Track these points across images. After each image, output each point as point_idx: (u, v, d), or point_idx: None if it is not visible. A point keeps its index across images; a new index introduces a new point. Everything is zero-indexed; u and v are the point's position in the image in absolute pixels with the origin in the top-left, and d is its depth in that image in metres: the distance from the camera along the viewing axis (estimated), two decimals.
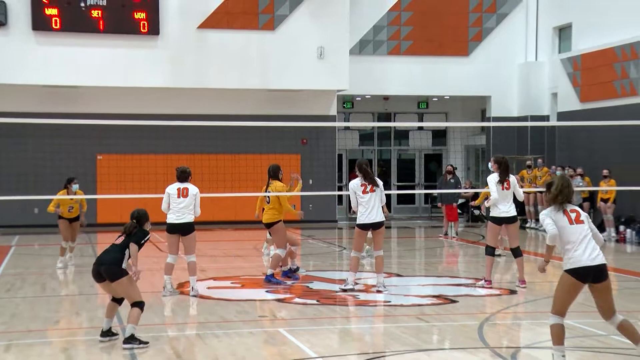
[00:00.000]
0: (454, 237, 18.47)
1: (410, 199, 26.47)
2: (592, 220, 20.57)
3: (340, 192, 23.17)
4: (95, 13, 20.27)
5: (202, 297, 10.84)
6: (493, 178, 11.28)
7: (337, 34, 21.68)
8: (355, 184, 10.82)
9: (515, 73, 24.16)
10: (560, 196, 6.86)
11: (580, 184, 18.84)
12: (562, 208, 6.85)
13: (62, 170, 20.92)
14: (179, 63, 20.94)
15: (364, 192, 10.73)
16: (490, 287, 11.24)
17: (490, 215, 11.46)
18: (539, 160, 21.50)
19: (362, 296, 10.90)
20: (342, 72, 21.70)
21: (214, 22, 21.21)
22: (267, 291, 11.29)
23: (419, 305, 10.24)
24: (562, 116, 21.95)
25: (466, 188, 21.97)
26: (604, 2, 20.90)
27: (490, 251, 11.38)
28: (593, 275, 6.68)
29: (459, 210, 20.13)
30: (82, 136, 20.87)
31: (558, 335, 6.73)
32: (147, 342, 7.82)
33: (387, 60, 23.62)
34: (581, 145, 20.88)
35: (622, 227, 18.33)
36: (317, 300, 10.57)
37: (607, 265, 6.80)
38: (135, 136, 21.07)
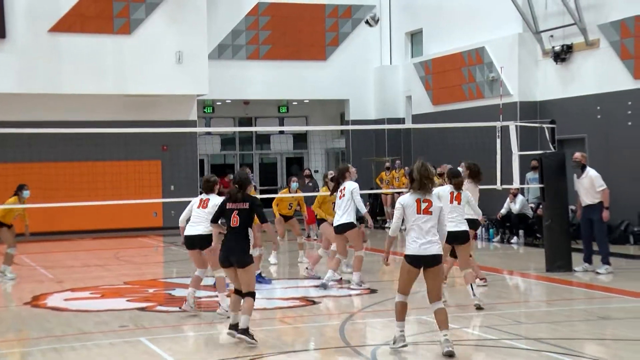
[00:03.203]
0: (315, 239, 18.75)
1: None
2: None
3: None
4: None
5: (59, 309, 10.48)
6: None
7: (195, 39, 21.50)
8: None
9: (371, 77, 24.83)
10: (415, 182, 7.42)
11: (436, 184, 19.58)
12: (416, 195, 7.42)
13: None
14: (29, 68, 20.09)
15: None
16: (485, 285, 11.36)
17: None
18: (397, 162, 22.20)
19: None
20: (201, 77, 21.54)
21: (65, 25, 20.50)
22: (127, 300, 11.08)
23: (282, 308, 10.36)
24: (416, 119, 22.77)
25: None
26: (451, 10, 21.87)
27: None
28: (425, 263, 7.39)
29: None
30: None
31: (400, 311, 7.51)
32: (256, 341, 7.91)
33: (247, 65, 23.68)
34: (435, 147, 21.74)
35: None
36: (180, 307, 10.46)
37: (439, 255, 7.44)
38: None
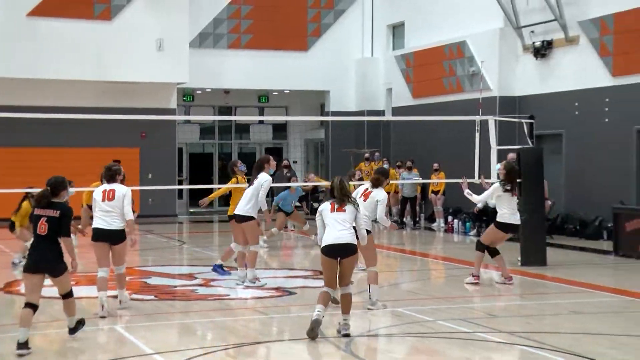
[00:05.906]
0: (292, 229, 18.78)
1: None
2: (424, 211, 21.28)
3: (180, 187, 22.91)
4: None
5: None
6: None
7: (176, 26, 21.39)
8: None
9: (352, 68, 24.83)
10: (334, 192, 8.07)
11: (416, 177, 19.65)
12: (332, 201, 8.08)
13: None
14: (7, 52, 19.90)
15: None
16: (477, 283, 11.09)
17: (498, 220, 11.22)
18: (376, 154, 22.25)
19: (201, 290, 10.89)
20: (182, 65, 21.44)
21: (45, 9, 20.31)
22: None
23: (259, 297, 10.37)
24: (396, 111, 22.82)
25: (310, 181, 22.29)
26: (433, 3, 21.90)
27: (481, 247, 11.24)
28: (339, 253, 7.91)
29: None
30: None
31: (324, 298, 7.95)
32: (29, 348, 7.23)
33: (228, 54, 23.59)
34: (414, 140, 21.81)
35: (450, 218, 19.30)
36: (155, 296, 10.46)
37: (354, 245, 7.99)
38: None
